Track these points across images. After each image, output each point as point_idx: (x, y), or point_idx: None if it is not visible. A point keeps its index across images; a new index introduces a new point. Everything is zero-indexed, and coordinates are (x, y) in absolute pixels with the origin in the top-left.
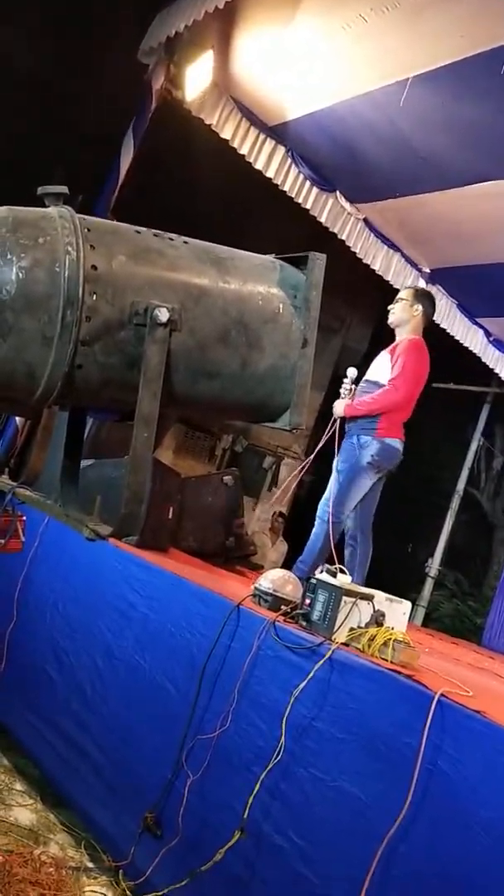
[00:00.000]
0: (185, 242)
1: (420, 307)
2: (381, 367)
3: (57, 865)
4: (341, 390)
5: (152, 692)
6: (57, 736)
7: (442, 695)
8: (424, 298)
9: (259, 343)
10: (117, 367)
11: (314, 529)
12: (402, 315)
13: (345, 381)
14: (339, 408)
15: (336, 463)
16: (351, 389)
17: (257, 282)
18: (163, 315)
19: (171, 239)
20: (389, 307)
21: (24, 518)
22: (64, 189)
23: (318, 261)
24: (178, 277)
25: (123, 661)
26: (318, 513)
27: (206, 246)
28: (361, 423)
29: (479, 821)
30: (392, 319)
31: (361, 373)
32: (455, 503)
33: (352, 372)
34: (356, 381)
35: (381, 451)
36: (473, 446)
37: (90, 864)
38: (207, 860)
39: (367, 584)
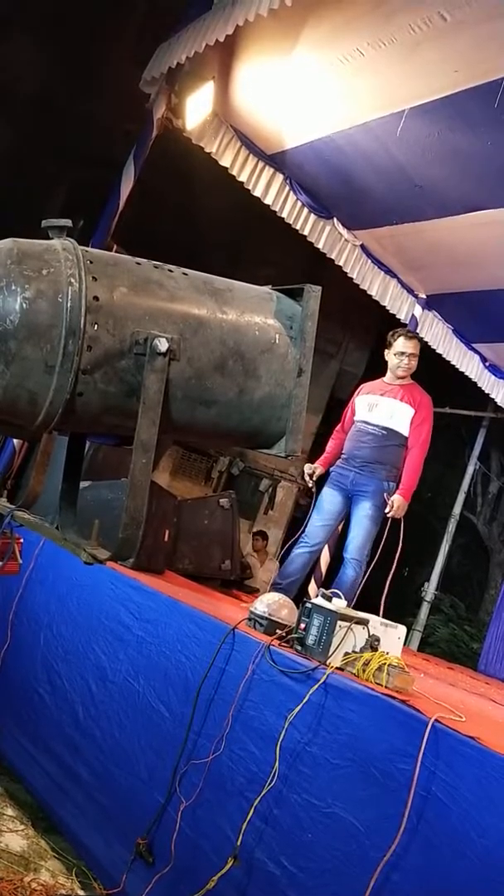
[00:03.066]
0: (185, 274)
1: None
2: (398, 417)
3: (47, 893)
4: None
5: (146, 716)
6: (49, 760)
7: (436, 720)
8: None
9: (255, 372)
10: (117, 395)
11: (352, 571)
12: (414, 366)
13: (308, 479)
14: (403, 508)
15: (366, 508)
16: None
17: (254, 312)
18: (162, 345)
19: (171, 270)
20: (398, 361)
21: (22, 540)
22: (67, 222)
23: (314, 292)
24: (177, 308)
25: (117, 683)
26: (352, 555)
27: (205, 277)
28: (394, 472)
29: (473, 847)
30: (405, 373)
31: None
32: (451, 527)
33: (361, 402)
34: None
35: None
36: (470, 470)
37: (81, 892)
38: (200, 888)
39: (363, 609)
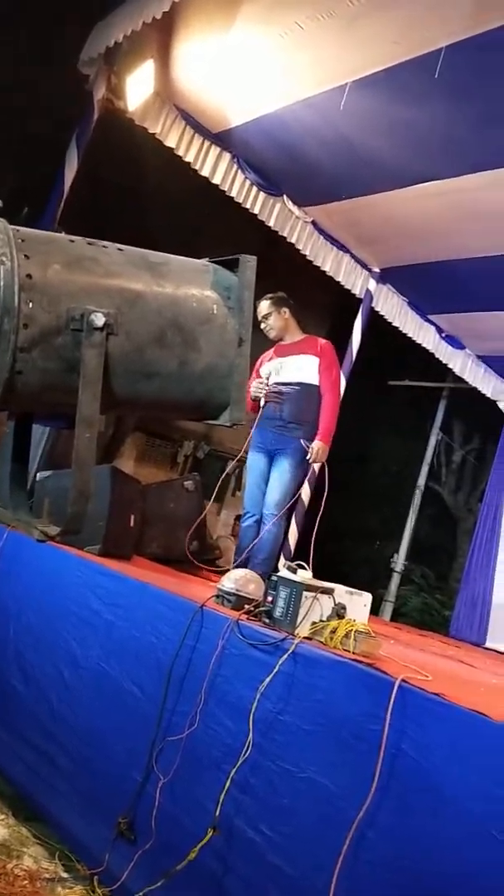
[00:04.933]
0: (120, 249)
1: (286, 308)
2: (306, 369)
3: (31, 878)
4: (257, 391)
5: (120, 698)
6: (27, 749)
7: (403, 680)
8: (281, 300)
9: (195, 343)
10: (57, 372)
11: (269, 528)
12: (279, 324)
13: (261, 381)
14: (324, 452)
15: (284, 465)
16: (265, 388)
17: (191, 285)
18: (98, 320)
19: (105, 246)
20: (262, 326)
21: None
22: None
23: (249, 263)
24: (113, 283)
25: (89, 669)
26: (270, 510)
27: (141, 252)
28: (308, 428)
29: (445, 800)
30: (275, 334)
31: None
32: (417, 499)
33: (266, 371)
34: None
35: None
36: (432, 441)
37: (65, 875)
38: (182, 860)
39: (335, 582)
